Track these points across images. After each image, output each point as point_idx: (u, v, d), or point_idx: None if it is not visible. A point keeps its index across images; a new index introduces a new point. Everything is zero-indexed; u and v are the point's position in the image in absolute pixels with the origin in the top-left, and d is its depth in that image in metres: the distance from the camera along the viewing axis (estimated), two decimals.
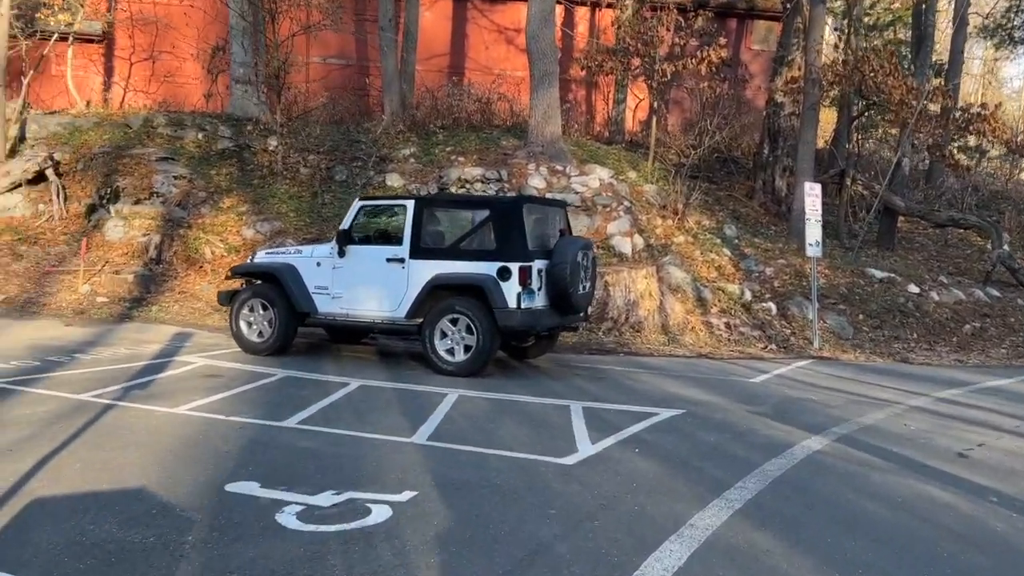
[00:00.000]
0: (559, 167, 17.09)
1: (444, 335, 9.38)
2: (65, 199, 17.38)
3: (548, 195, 15.75)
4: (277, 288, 10.22)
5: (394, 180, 17.52)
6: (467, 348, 9.28)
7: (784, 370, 11.02)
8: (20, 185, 17.36)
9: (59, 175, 17.76)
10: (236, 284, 11.13)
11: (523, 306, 9.07)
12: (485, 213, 9.41)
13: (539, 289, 9.34)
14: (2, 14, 18.43)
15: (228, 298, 10.57)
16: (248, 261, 11.05)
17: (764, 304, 14.56)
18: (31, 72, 21.43)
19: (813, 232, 13.85)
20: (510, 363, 10.48)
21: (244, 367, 9.41)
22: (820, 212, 14.04)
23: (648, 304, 13.17)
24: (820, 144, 21.87)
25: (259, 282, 10.54)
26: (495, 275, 9.12)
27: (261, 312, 10.30)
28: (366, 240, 10.06)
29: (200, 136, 19.67)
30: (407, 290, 9.53)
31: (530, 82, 17.86)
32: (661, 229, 16.50)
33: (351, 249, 9.95)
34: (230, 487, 4.92)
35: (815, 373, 10.93)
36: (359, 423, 6.82)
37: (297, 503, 4.66)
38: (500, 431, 6.76)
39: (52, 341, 10.42)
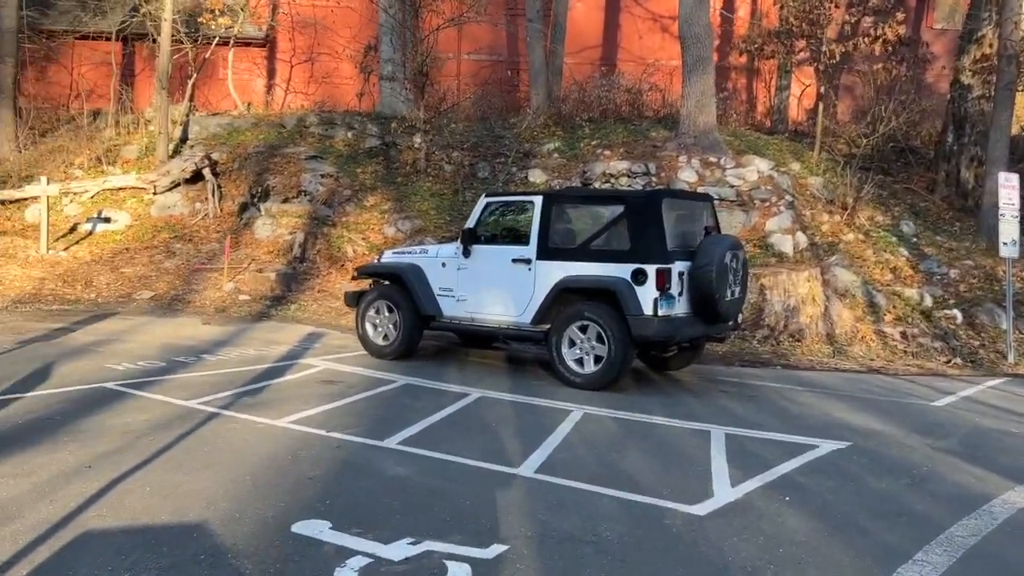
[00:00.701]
0: (712, 159, 15.83)
1: (572, 344, 8.55)
2: (220, 198, 17.78)
3: (700, 189, 14.56)
4: (402, 290, 9.72)
5: (537, 175, 16.82)
6: (597, 359, 8.40)
7: (972, 391, 9.44)
8: (179, 184, 17.90)
9: (215, 174, 18.21)
10: (364, 285, 10.72)
11: (660, 313, 8.09)
12: (619, 209, 8.49)
13: (680, 294, 8.32)
14: (165, 19, 19.11)
15: (355, 299, 10.17)
16: (375, 261, 10.62)
17: (947, 311, 12.80)
18: (194, 75, 22.26)
19: (1009, 229, 12.01)
20: (648, 375, 9.51)
21: (365, 372, 8.94)
22: (1017, 206, 12.17)
23: (810, 310, 11.79)
24: (1015, 130, 19.37)
25: (385, 283, 10.08)
26: (629, 278, 8.19)
27: (387, 314, 9.82)
28: (492, 239, 9.36)
29: (349, 135, 19.74)
30: (533, 293, 8.76)
31: (682, 69, 16.68)
32: (827, 226, 14.94)
33: (476, 249, 9.28)
34: (297, 527, 4.29)
35: (1012, 396, 9.29)
36: (465, 445, 6.10)
37: (365, 554, 3.96)
38: (623, 463, 5.84)
39: (185, 340, 10.37)
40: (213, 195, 17.64)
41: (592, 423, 7.03)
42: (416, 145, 18.15)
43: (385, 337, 9.84)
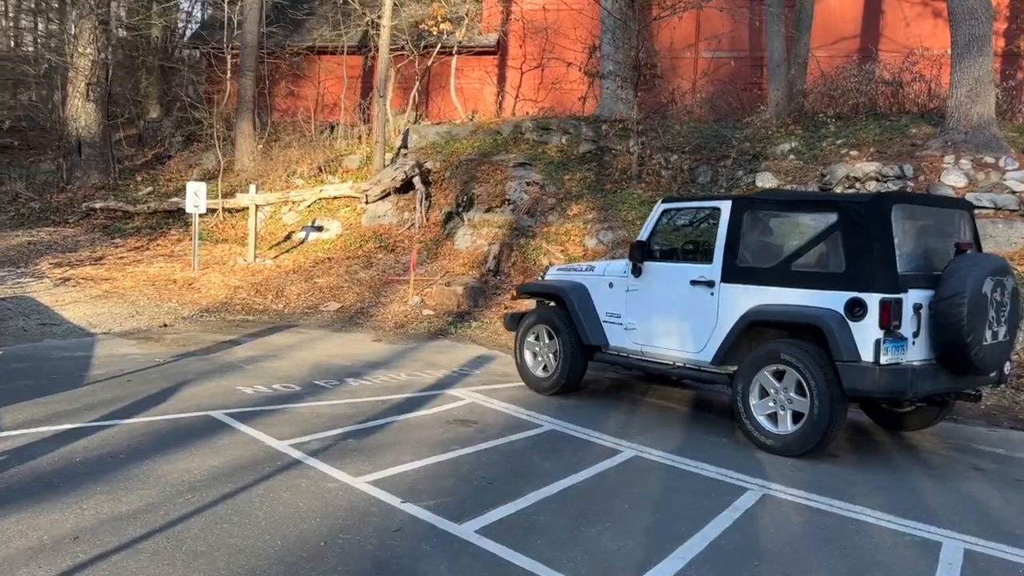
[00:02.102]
0: (989, 159, 12.78)
1: (764, 393, 6.57)
2: (429, 207, 17.23)
3: (969, 196, 11.69)
4: (564, 313, 8.20)
5: (765, 180, 14.58)
6: (796, 416, 6.38)
7: None
8: (389, 194, 17.57)
9: (427, 183, 17.71)
10: (527, 305, 9.31)
11: (884, 361, 5.95)
12: (832, 218, 6.40)
13: (915, 335, 6.11)
14: (384, 26, 18.95)
15: (514, 322, 8.80)
16: (539, 278, 9.18)
17: None
18: (416, 84, 22.14)
19: None
20: (873, 435, 7.26)
21: (512, 411, 7.53)
22: None
23: None
24: None
25: (548, 305, 8.61)
26: (842, 311, 6.12)
27: (547, 341, 8.35)
28: (668, 256, 7.61)
29: (563, 140, 18.55)
30: (716, 325, 6.89)
31: (951, 51, 13.72)
32: None
33: (649, 267, 7.56)
34: None
35: None
36: (568, 543, 4.46)
37: None
38: None
39: (343, 360, 9.54)
40: (421, 204, 17.11)
41: (768, 513, 5.10)
42: (630, 148, 16.50)
43: (545, 368, 8.37)
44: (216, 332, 10.94)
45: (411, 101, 21.84)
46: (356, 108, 22.87)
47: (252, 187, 16.13)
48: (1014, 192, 12.05)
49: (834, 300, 6.19)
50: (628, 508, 5.07)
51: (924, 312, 6.14)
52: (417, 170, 17.48)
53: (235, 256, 15.59)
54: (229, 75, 22.44)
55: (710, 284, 6.99)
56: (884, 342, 5.94)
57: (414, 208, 17.22)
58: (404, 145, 20.10)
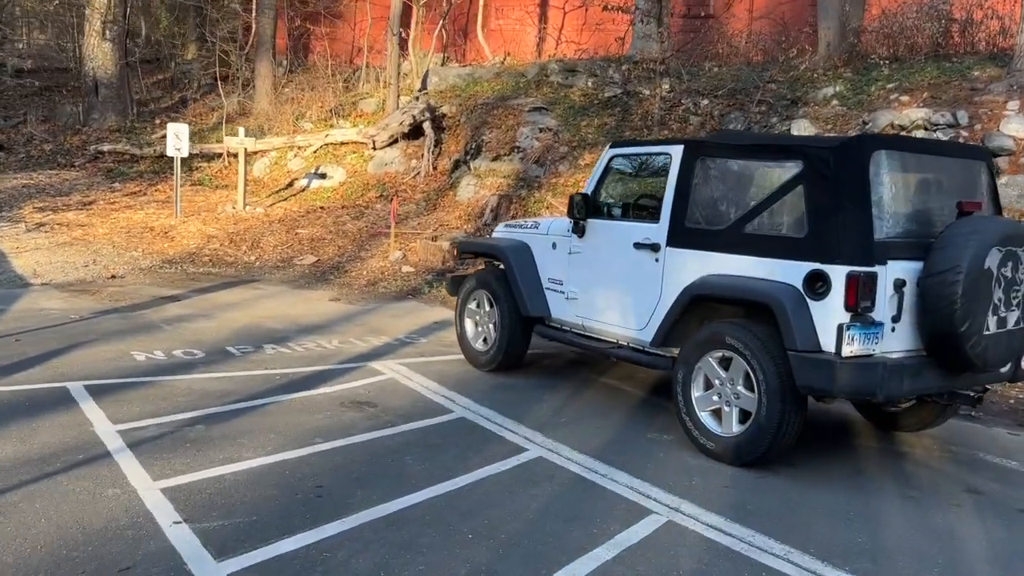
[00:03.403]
0: None
1: (709, 385, 5.30)
2: (438, 154, 16.07)
3: None
4: (505, 278, 7.01)
5: (802, 127, 12.97)
6: (744, 415, 5.11)
7: None
8: (396, 140, 16.44)
9: (440, 129, 16.54)
10: (479, 266, 8.15)
11: (849, 351, 4.61)
12: (795, 167, 5.01)
13: (895, 319, 4.74)
14: None
15: (456, 287, 7.64)
16: (488, 236, 7.99)
17: None
18: (441, 22, 20.85)
19: None
20: (856, 436, 5.91)
21: (428, 391, 6.43)
22: None
23: None
24: None
25: (493, 267, 7.42)
26: (800, 286, 4.80)
27: (487, 310, 7.18)
28: (613, 212, 6.32)
29: (589, 83, 17.07)
30: (660, 297, 5.62)
31: None
32: None
33: (594, 226, 6.29)
34: None
35: None
36: None
37: None
38: None
39: (279, 323, 8.56)
40: (429, 151, 15.95)
41: (657, 550, 3.88)
42: (654, 92, 14.97)
43: (485, 341, 7.21)
44: (163, 286, 10.07)
45: (434, 42, 20.57)
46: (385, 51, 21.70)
47: (241, 130, 15.18)
48: None
49: (792, 272, 4.86)
50: (474, 538, 3.92)
51: (908, 291, 4.76)
52: (427, 114, 16.29)
53: (225, 203, 14.72)
54: (254, 14, 21.48)
55: (654, 248, 5.70)
56: (849, 328, 4.60)
57: (422, 155, 16.08)
58: (423, 88, 18.89)
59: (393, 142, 16.47)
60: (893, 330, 4.76)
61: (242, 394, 6.04)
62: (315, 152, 17.02)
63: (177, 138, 13.45)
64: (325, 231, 13.07)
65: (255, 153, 17.50)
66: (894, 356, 4.75)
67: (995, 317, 4.74)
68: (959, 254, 4.61)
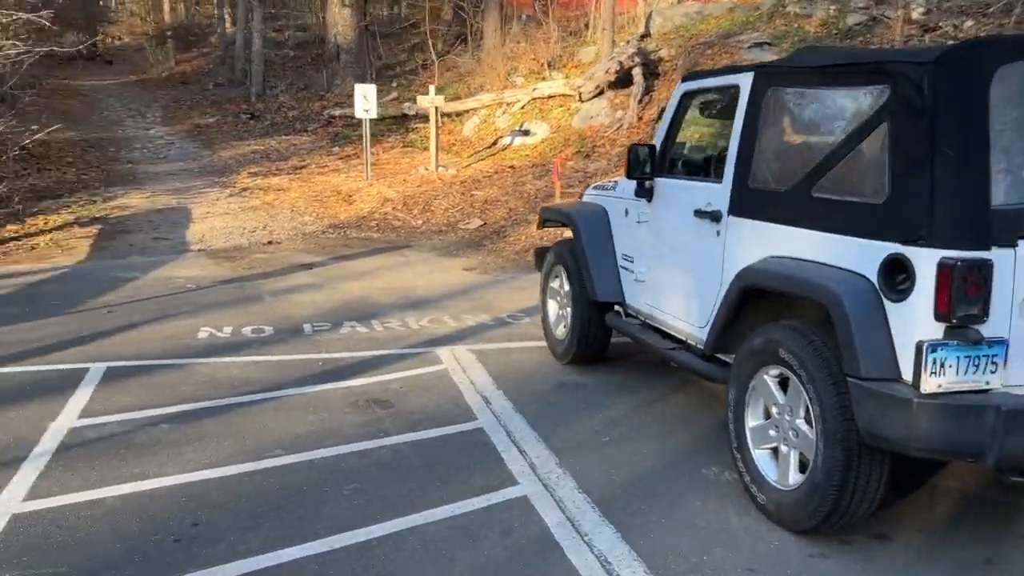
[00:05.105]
0: None
1: (768, 414, 3.75)
2: (647, 103, 14.60)
3: None
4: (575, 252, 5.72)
5: None
6: (803, 463, 3.52)
7: None
8: (603, 90, 15.15)
9: (654, 75, 15.04)
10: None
11: (936, 384, 2.91)
12: (878, 96, 3.24)
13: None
14: None
15: (540, 260, 6.45)
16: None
17: None
18: None
19: None
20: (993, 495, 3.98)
21: (472, 389, 5.39)
22: None
23: None
24: None
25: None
26: (875, 278, 3.13)
27: (567, 289, 5.92)
28: (683, 169, 4.80)
29: (831, 11, 14.57)
30: (721, 284, 4.10)
31: None
32: None
33: (661, 187, 4.81)
34: None
35: None
36: None
37: None
38: None
39: (389, 296, 7.93)
40: (636, 100, 14.50)
41: None
42: (905, 12, 12.32)
43: (565, 325, 5.97)
44: (311, 252, 9.84)
45: None
46: None
47: (431, 88, 14.69)
48: None
49: (865, 257, 3.18)
50: None
51: None
52: (637, 59, 14.81)
53: (420, 165, 14.42)
54: None
55: (715, 217, 4.16)
56: (937, 348, 2.89)
57: (629, 105, 14.67)
58: (646, 32, 17.30)
59: (600, 92, 15.19)
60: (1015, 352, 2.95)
61: (259, 384, 5.40)
62: (523, 108, 16.22)
63: (365, 99, 13.27)
64: (502, 192, 12.25)
65: (466, 112, 17.10)
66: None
67: None
68: None
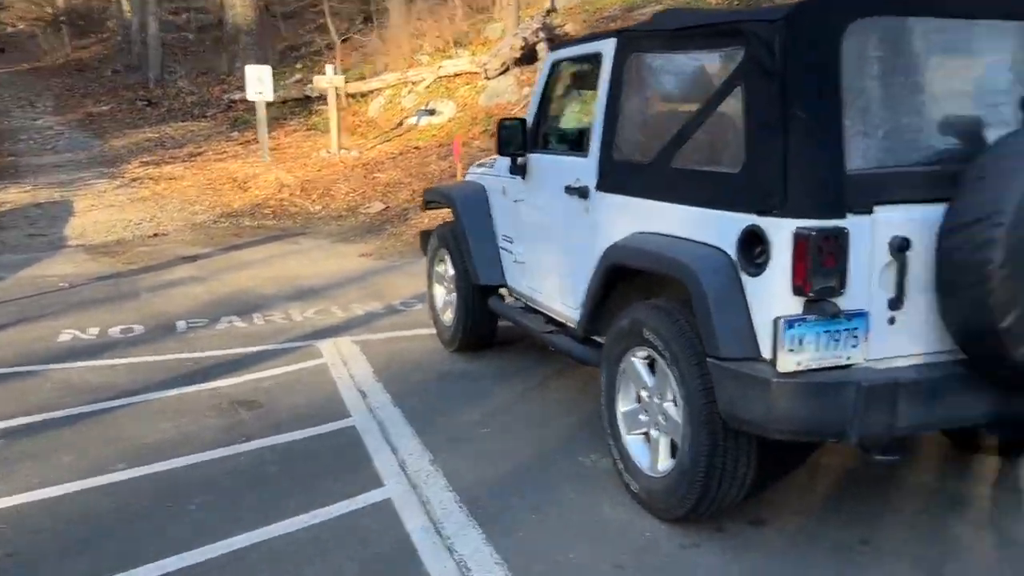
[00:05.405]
0: None
1: (638, 398, 3.55)
2: None
3: None
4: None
5: None
6: (674, 448, 3.33)
7: None
8: (509, 67, 14.87)
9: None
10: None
11: (792, 361, 2.73)
12: (733, 58, 3.05)
13: (894, 305, 2.77)
14: None
15: (425, 243, 6.17)
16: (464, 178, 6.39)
17: None
18: None
19: None
20: (925, 460, 3.88)
21: (346, 385, 5.08)
22: None
23: None
24: None
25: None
26: (733, 252, 2.94)
27: (451, 273, 5.66)
28: (550, 144, 4.57)
29: None
30: (592, 263, 3.87)
31: None
32: None
33: (534, 163, 4.58)
34: None
35: None
36: None
37: None
38: None
39: (274, 286, 7.57)
40: None
41: None
42: None
43: (451, 311, 5.71)
44: (196, 244, 9.36)
45: None
46: None
47: (328, 68, 14.20)
48: None
49: (723, 229, 2.99)
50: None
51: (922, 254, 2.76)
52: (542, 34, 14.58)
53: (322, 148, 13.95)
54: None
55: (582, 193, 3.93)
56: (793, 324, 2.71)
57: (535, 82, 14.40)
58: (552, 7, 17.05)
59: (505, 70, 14.90)
60: (892, 323, 2.79)
61: (117, 390, 4.99)
62: (428, 87, 15.85)
63: (260, 81, 12.72)
64: (406, 174, 11.90)
65: (371, 92, 16.65)
66: (892, 367, 2.80)
67: None
68: (1003, 191, 2.55)
